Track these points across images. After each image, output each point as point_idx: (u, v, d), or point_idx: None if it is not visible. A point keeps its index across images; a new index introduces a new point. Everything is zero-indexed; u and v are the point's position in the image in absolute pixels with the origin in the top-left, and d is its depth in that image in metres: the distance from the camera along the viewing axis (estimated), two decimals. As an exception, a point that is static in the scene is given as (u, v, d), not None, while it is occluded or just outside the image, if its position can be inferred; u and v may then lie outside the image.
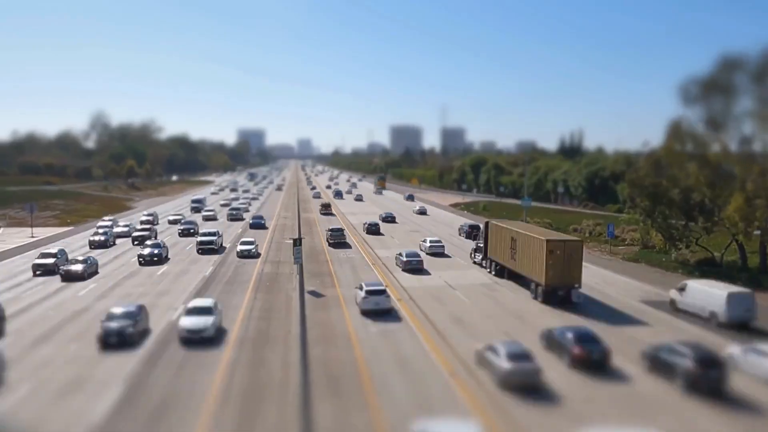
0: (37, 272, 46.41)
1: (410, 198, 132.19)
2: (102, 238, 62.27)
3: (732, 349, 26.95)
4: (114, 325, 28.79)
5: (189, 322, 29.56)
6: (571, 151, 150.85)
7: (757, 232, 45.64)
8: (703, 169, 47.25)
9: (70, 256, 50.81)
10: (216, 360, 26.89)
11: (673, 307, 36.41)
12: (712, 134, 48.17)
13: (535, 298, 38.74)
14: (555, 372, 25.50)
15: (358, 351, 28.34)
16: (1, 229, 78.82)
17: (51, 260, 47.41)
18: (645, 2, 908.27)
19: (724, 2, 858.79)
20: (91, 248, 60.32)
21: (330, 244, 62.37)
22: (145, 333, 30.58)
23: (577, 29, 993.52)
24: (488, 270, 48.15)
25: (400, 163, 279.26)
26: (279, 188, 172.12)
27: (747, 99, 45.99)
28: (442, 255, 56.34)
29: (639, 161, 58.05)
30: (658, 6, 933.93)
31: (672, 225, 51.04)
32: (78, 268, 45.05)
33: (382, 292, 35.14)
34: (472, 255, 53.58)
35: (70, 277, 44.42)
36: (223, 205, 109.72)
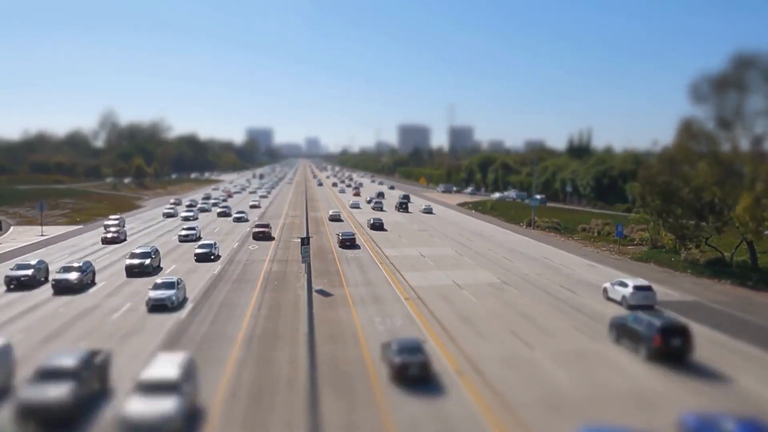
0: None
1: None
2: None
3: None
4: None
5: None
6: (579, 150, 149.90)
7: (767, 232, 45.23)
8: (713, 168, 46.86)
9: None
10: (224, 357, 27.04)
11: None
12: (723, 133, 47.75)
13: None
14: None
15: (366, 349, 28.35)
16: (11, 227, 79.38)
17: None
18: (653, 3, 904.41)
19: (732, 4, 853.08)
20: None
21: None
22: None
23: (586, 29, 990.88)
24: None
25: (408, 162, 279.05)
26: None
27: (759, 97, 45.56)
28: None
29: (649, 160, 57.57)
30: (666, 7, 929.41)
31: (683, 224, 50.66)
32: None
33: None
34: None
35: None
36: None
